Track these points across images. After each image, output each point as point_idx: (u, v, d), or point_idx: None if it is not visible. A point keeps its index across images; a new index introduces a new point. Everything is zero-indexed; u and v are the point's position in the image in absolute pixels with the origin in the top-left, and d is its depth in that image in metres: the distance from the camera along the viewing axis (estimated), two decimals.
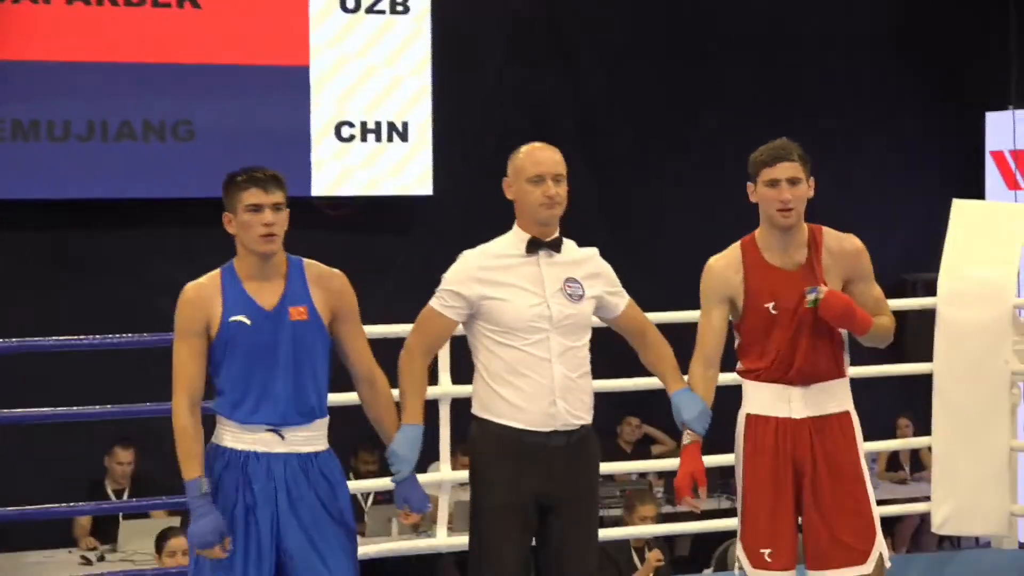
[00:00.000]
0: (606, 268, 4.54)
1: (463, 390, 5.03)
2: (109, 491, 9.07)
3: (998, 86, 11.44)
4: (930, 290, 6.75)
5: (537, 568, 4.46)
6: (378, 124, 10.15)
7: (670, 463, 8.95)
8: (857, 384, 4.72)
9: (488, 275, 4.39)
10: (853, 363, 4.68)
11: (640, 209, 10.54)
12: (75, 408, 5.83)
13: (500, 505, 4.36)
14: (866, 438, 4.65)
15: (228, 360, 4.18)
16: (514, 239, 4.45)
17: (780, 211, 4.46)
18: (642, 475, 9.92)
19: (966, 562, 6.80)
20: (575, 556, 4.41)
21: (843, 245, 4.57)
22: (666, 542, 8.69)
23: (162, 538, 7.75)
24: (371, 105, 10.14)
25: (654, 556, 8.01)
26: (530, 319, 4.35)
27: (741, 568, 4.58)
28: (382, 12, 10.18)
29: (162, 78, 9.58)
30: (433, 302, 4.43)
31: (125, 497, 8.97)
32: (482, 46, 10.73)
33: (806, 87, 11.48)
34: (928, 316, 6.50)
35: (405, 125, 10.19)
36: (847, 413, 4.59)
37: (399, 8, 10.20)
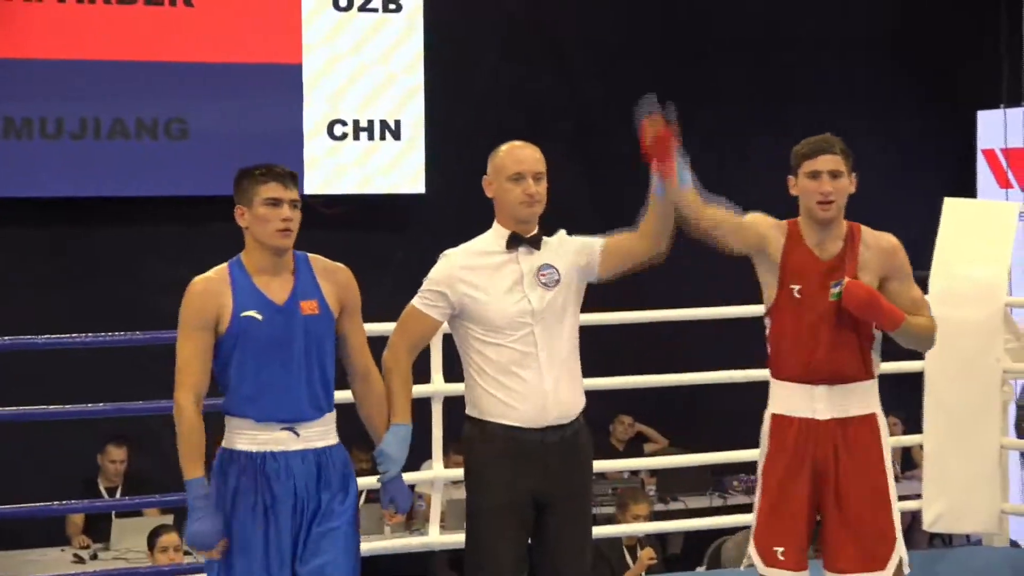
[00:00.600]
0: (575, 240, 4.56)
1: (456, 388, 5.05)
2: (102, 489, 9.08)
3: (990, 85, 11.49)
4: (922, 288, 6.76)
5: (532, 565, 4.48)
6: (371, 122, 10.17)
7: (663, 461, 9.12)
8: None
9: (470, 274, 4.42)
10: None
11: (634, 209, 10.52)
12: (69, 406, 5.85)
13: (497, 505, 4.38)
14: None
15: (239, 356, 4.15)
16: (494, 236, 4.48)
17: (820, 203, 4.48)
18: (634, 473, 9.95)
19: (957, 560, 6.82)
20: (570, 553, 4.43)
21: (879, 242, 4.57)
22: (658, 540, 8.74)
23: (154, 535, 7.77)
24: (364, 103, 10.16)
25: (646, 554, 8.04)
26: (514, 315, 4.38)
27: (751, 565, 4.59)
28: (375, 10, 10.19)
29: (155, 76, 9.58)
30: (416, 301, 4.45)
31: (118, 495, 8.98)
32: (475, 45, 10.73)
33: (800, 88, 11.49)
34: None
35: (398, 123, 10.21)
36: (873, 415, 4.56)
37: (391, 6, 10.22)
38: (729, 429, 6.38)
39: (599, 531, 6.03)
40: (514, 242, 4.46)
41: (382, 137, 10.17)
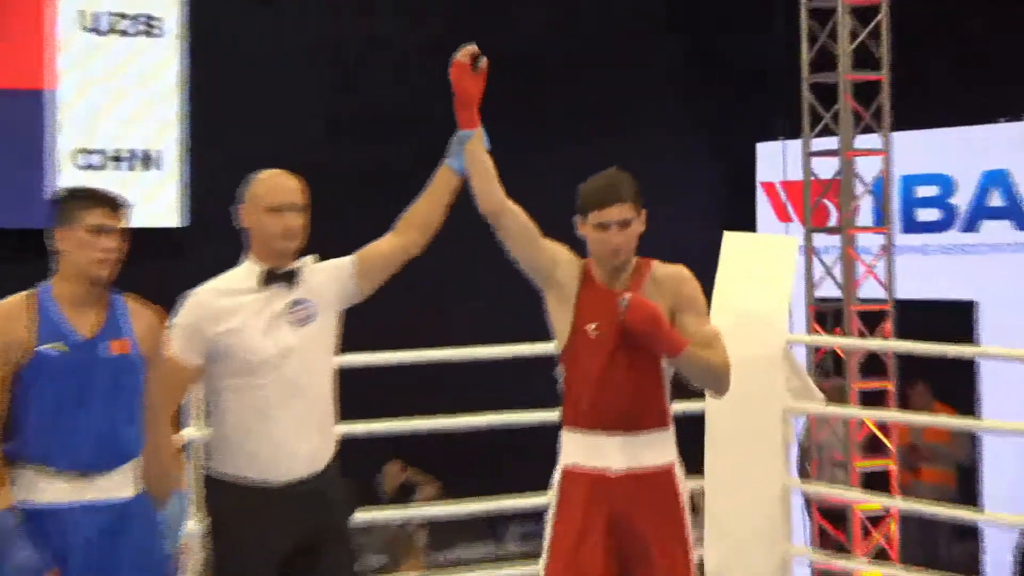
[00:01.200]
0: (325, 267, 4.38)
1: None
2: None
3: (769, 118, 11.63)
4: None
5: None
6: (127, 151, 9.86)
7: (434, 510, 8.93)
8: None
9: (219, 314, 4.22)
10: None
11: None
12: None
13: (246, 566, 4.19)
14: None
15: (35, 394, 3.93)
16: (247, 272, 4.29)
17: (610, 252, 4.35)
18: (402, 525, 9.76)
19: None
20: None
21: (668, 271, 4.45)
22: None
23: None
24: (119, 132, 9.83)
25: None
26: (266, 357, 4.20)
27: None
28: (132, 34, 9.89)
29: None
30: (171, 350, 4.22)
31: None
32: (237, 71, 10.51)
33: (573, 115, 11.52)
34: None
35: (156, 153, 9.92)
36: (670, 467, 4.41)
37: (150, 30, 9.92)
38: (507, 475, 6.25)
39: None
40: (268, 278, 4.26)
41: (144, 167, 9.86)
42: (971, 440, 10.17)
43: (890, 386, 9.36)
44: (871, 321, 9.45)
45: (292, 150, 9.26)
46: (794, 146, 10.44)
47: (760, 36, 11.93)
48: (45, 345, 3.94)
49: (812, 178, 9.71)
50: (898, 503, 8.24)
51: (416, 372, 6.83)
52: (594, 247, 4.38)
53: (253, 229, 4.29)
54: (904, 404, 9.66)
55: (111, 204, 4.07)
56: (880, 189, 9.68)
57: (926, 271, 10.58)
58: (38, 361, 3.93)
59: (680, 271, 4.48)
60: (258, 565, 4.18)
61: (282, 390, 4.20)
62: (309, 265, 4.35)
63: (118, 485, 4.00)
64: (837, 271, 9.60)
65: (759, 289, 6.47)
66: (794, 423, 6.79)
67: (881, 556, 8.88)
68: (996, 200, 10.53)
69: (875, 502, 8.39)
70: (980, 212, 10.63)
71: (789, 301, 6.53)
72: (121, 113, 9.84)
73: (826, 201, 9.87)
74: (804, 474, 9.27)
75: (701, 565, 6.50)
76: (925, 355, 6.51)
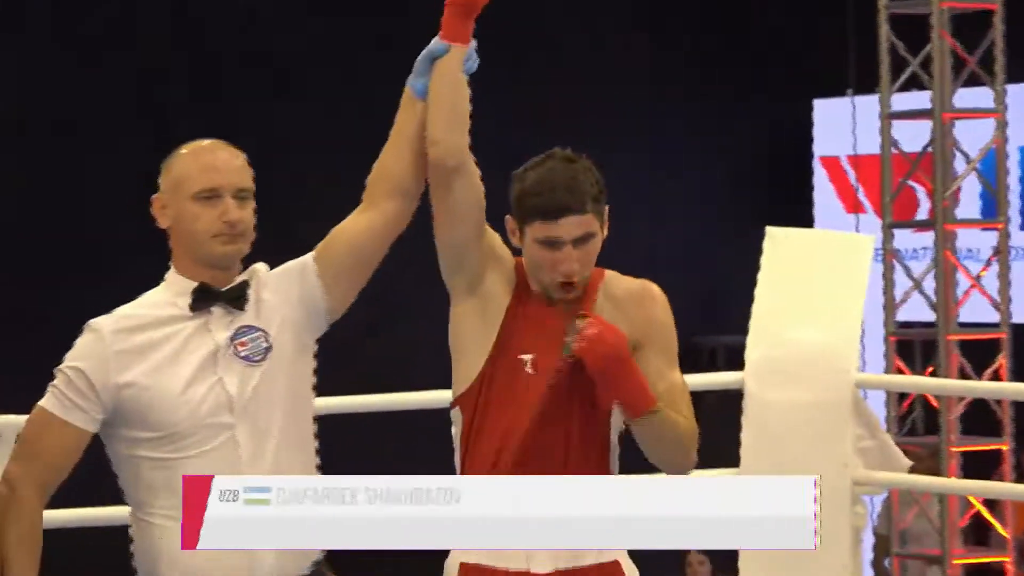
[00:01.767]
0: (283, 269, 4.28)
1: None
2: None
3: (832, 65, 11.73)
4: (733, 360, 6.78)
5: None
6: None
7: None
8: None
9: (131, 355, 4.13)
10: None
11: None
12: None
13: None
14: None
15: None
16: (170, 291, 4.20)
17: (562, 284, 4.20)
18: None
19: None
20: None
21: (629, 286, 4.34)
22: None
23: None
24: None
25: None
26: (204, 414, 4.11)
27: None
28: None
29: None
30: (46, 402, 4.14)
31: None
32: None
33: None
34: (731, 399, 6.51)
35: None
36: (615, 566, 4.35)
37: None
38: None
39: None
40: (203, 298, 4.19)
41: None
42: None
43: (1006, 447, 9.39)
44: (979, 356, 9.52)
45: None
46: (867, 104, 10.47)
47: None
48: None
49: (893, 150, 9.74)
50: None
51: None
52: (536, 271, 4.26)
53: (176, 228, 4.19)
54: None
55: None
56: (991, 167, 9.72)
57: None
58: None
59: (647, 288, 4.34)
60: None
61: (229, 461, 4.13)
62: (260, 276, 4.27)
63: None
64: (929, 284, 9.64)
65: (817, 309, 6.51)
66: (866, 502, 6.82)
67: None
68: None
69: None
70: None
71: (860, 327, 6.59)
72: None
73: (913, 184, 9.92)
74: (882, 574, 9.30)
75: None
76: None
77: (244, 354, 4.18)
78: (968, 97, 9.64)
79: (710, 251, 11.47)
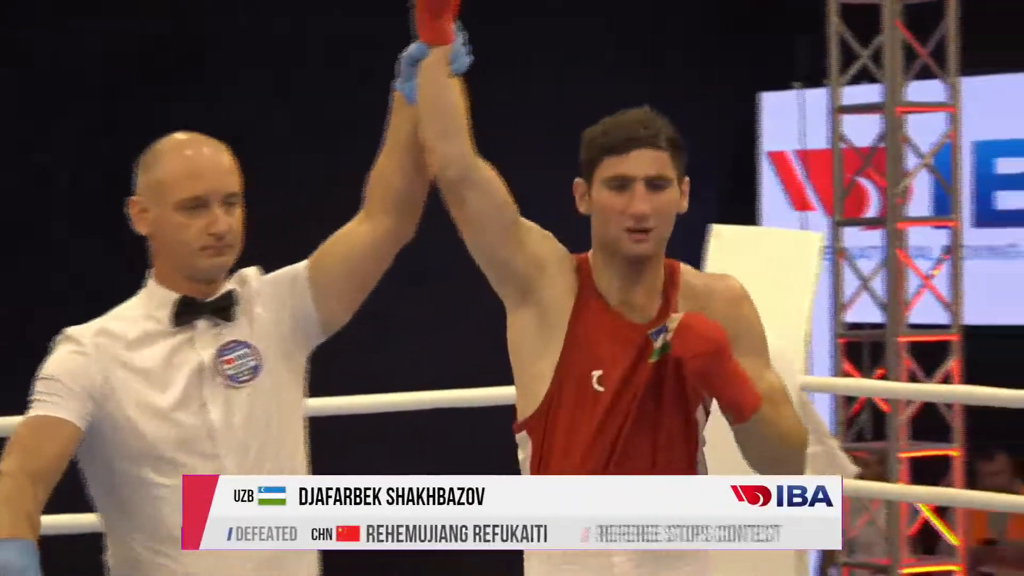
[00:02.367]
0: (274, 277, 4.19)
1: None
2: None
3: (780, 55, 11.75)
4: None
5: None
6: None
7: None
8: None
9: (107, 371, 4.03)
10: None
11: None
12: None
13: None
14: None
15: None
16: (151, 304, 4.09)
17: (631, 232, 4.07)
18: None
19: None
20: None
21: (709, 282, 4.24)
22: None
23: None
24: None
25: None
26: (187, 440, 4.03)
27: None
28: None
29: None
30: (39, 408, 4.04)
31: None
32: None
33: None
34: None
35: None
36: None
37: None
38: None
39: None
40: (186, 312, 4.07)
41: None
42: None
43: (956, 453, 9.40)
44: (929, 358, 9.53)
45: None
46: (816, 97, 10.47)
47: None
48: None
49: (843, 145, 9.75)
50: None
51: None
52: (604, 226, 4.10)
53: (157, 236, 4.08)
54: (976, 482, 9.69)
55: None
56: (945, 162, 9.74)
57: (1010, 285, 10.66)
58: None
59: (730, 285, 4.25)
60: None
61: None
62: (251, 285, 4.17)
63: None
64: (879, 284, 9.67)
65: (763, 310, 6.42)
66: None
67: None
68: None
69: None
70: None
71: (807, 328, 6.63)
72: None
73: (863, 180, 9.91)
74: None
75: None
76: (1008, 407, 6.50)
77: (230, 372, 4.09)
78: (921, 90, 9.64)
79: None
